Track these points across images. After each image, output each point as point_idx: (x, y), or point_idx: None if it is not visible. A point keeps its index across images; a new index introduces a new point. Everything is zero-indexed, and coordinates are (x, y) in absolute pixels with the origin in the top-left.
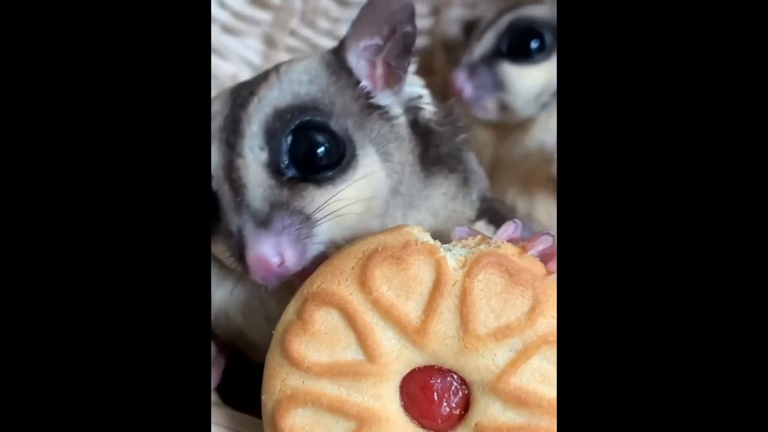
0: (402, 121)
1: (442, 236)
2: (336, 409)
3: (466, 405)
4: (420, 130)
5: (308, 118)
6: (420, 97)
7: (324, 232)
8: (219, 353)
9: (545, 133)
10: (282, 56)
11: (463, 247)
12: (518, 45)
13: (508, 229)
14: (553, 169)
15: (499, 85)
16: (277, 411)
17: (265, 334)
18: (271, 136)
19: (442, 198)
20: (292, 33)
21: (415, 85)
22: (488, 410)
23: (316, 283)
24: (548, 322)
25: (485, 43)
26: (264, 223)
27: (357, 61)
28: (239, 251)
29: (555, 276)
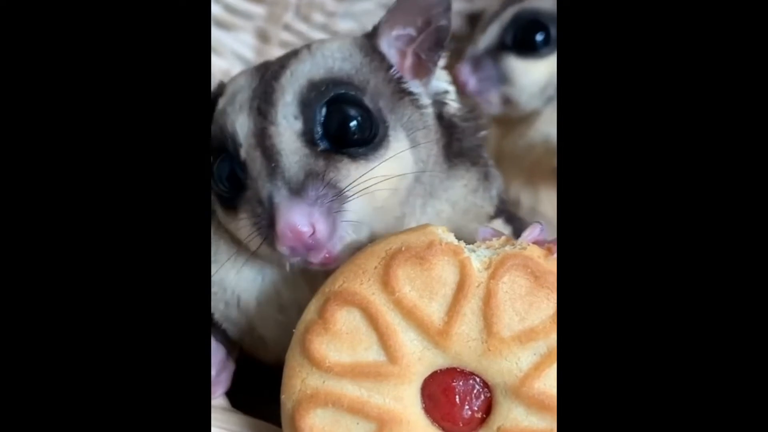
0: (430, 111)
1: (460, 229)
2: (356, 411)
3: (488, 408)
4: (444, 123)
5: (343, 91)
6: (446, 92)
7: (354, 209)
8: (228, 357)
9: (550, 126)
10: (276, 51)
11: (488, 248)
12: (523, 38)
13: (534, 230)
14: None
15: (503, 79)
16: (297, 411)
17: (276, 328)
18: (306, 106)
19: (463, 190)
20: (287, 27)
21: (442, 80)
22: (511, 414)
23: (338, 282)
24: None
25: (489, 35)
26: (298, 191)
27: (388, 48)
28: (269, 219)
29: None
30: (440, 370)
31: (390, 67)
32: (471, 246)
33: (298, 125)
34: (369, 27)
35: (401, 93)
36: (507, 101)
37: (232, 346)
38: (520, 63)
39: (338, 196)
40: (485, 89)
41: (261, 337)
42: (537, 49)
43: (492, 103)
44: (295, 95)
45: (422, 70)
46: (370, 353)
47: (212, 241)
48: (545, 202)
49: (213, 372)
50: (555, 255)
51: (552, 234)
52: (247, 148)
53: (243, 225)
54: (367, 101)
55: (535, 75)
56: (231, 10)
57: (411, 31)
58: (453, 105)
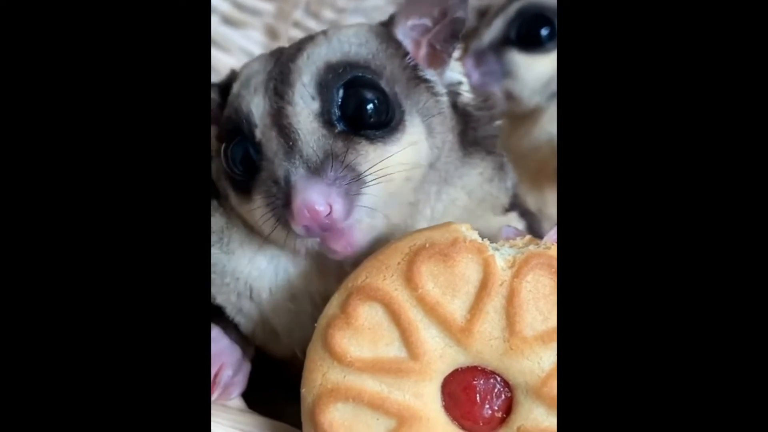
0: (445, 99)
1: (477, 219)
2: (376, 406)
3: (508, 408)
4: (459, 111)
5: (360, 74)
6: (460, 83)
7: (371, 193)
8: (243, 357)
9: (555, 124)
10: None
11: (511, 247)
12: (527, 32)
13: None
14: None
15: (506, 73)
16: (317, 405)
17: (288, 317)
18: (323, 87)
19: (479, 178)
20: (296, 24)
21: (455, 71)
22: (531, 414)
23: (361, 277)
24: None
25: (494, 29)
26: (316, 170)
27: (404, 37)
28: (285, 198)
29: None
30: (461, 368)
31: (406, 54)
32: (495, 244)
33: (315, 106)
34: None
35: (417, 80)
36: (509, 96)
37: (247, 345)
38: (523, 58)
39: (356, 179)
40: (487, 83)
41: (273, 329)
42: (542, 44)
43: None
44: (312, 76)
45: (437, 60)
46: (392, 349)
47: (224, 230)
48: (551, 204)
49: (229, 372)
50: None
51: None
52: (262, 128)
53: (257, 208)
54: (384, 85)
55: (539, 70)
56: (240, 6)
57: (427, 21)
58: (467, 95)
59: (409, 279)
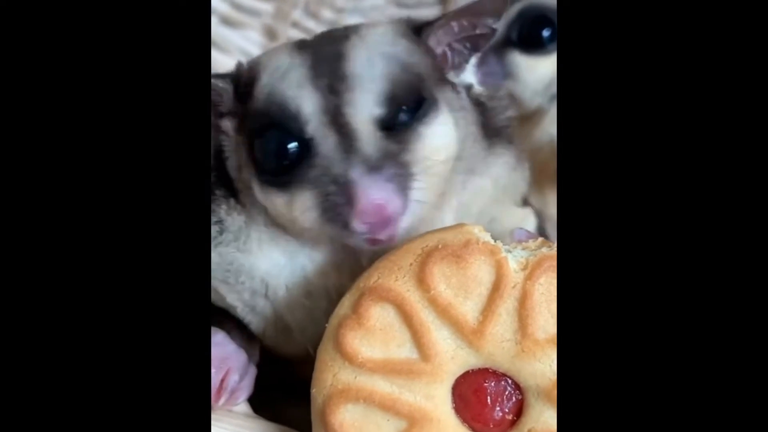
0: (464, 95)
1: (498, 206)
2: (387, 407)
3: (519, 410)
4: (476, 105)
5: (410, 75)
6: (472, 85)
7: (419, 186)
8: (249, 361)
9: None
10: None
11: (524, 249)
12: (529, 33)
13: None
14: None
15: (507, 75)
16: (328, 405)
17: (303, 314)
18: (382, 85)
19: (504, 167)
20: (295, 24)
21: (469, 74)
22: (542, 417)
23: (373, 277)
24: None
25: None
26: (377, 168)
27: (432, 42)
28: (346, 197)
29: None
30: (472, 370)
31: (435, 56)
32: (507, 246)
33: (372, 106)
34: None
35: (443, 80)
36: (511, 97)
37: (252, 348)
38: (524, 59)
39: (408, 174)
40: (488, 85)
41: (287, 326)
42: (543, 45)
43: None
44: (369, 75)
45: (455, 63)
46: (403, 350)
47: (242, 229)
48: (552, 205)
49: (236, 377)
50: None
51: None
52: (316, 125)
53: (299, 202)
54: (425, 85)
55: (540, 71)
56: (238, 7)
57: (456, 28)
58: (478, 89)
59: (422, 280)
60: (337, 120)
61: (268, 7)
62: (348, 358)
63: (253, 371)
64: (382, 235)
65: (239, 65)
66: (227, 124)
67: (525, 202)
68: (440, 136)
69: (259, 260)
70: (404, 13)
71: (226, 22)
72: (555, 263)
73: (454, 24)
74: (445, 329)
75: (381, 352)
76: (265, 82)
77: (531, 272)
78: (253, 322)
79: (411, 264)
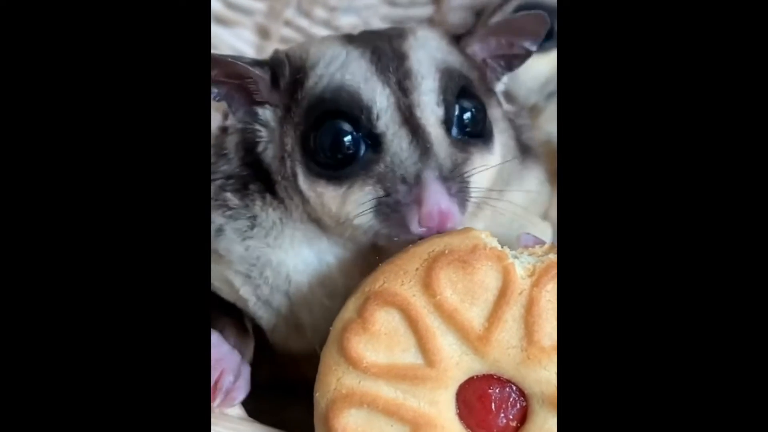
0: (502, 110)
1: (527, 220)
2: (391, 413)
3: (523, 417)
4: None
5: (465, 84)
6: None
7: (473, 199)
8: (242, 361)
9: (553, 124)
10: (276, 48)
11: (531, 255)
12: None
13: None
14: None
15: None
16: (331, 410)
17: (321, 313)
18: (445, 93)
19: (534, 181)
20: (287, 23)
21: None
22: (546, 425)
23: (378, 282)
24: None
25: None
26: (450, 179)
27: (472, 54)
28: (415, 197)
29: None
30: (477, 376)
31: (481, 67)
32: (514, 252)
33: (440, 112)
34: (371, 21)
35: (490, 90)
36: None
37: (246, 346)
38: None
39: (469, 189)
40: None
41: (300, 324)
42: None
43: None
44: (434, 81)
45: (489, 79)
46: (408, 355)
47: (275, 224)
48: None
49: (231, 378)
50: None
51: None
52: (387, 122)
53: (356, 195)
54: (480, 95)
55: (536, 69)
56: (230, 5)
57: (493, 43)
58: (506, 107)
59: (428, 285)
60: (410, 120)
61: (260, 6)
62: (352, 363)
63: (247, 371)
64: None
65: (277, 52)
66: (266, 114)
67: (545, 215)
68: (494, 153)
69: (288, 257)
70: (397, 12)
71: (219, 20)
72: None
73: (492, 39)
74: (451, 335)
75: (385, 356)
76: (321, 72)
77: (538, 279)
78: (265, 317)
79: (417, 269)
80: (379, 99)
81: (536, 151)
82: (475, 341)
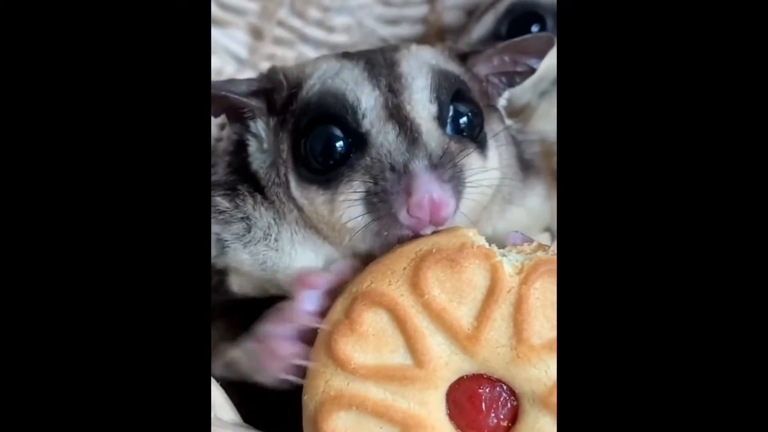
0: (503, 126)
1: (530, 233)
2: (380, 414)
3: (514, 417)
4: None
5: (460, 87)
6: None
7: (468, 198)
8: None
9: (545, 122)
10: (270, 48)
11: (519, 252)
12: (518, 30)
13: None
14: (554, 162)
15: None
16: (320, 413)
17: None
18: (438, 91)
19: (537, 198)
20: (281, 23)
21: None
22: (537, 424)
23: (365, 282)
24: None
25: (483, 26)
26: (437, 166)
27: (476, 69)
28: (404, 186)
29: None
30: (466, 376)
31: (481, 81)
32: (502, 250)
33: (433, 108)
34: (365, 22)
35: (491, 105)
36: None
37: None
38: None
39: (464, 179)
40: None
41: None
42: None
43: None
44: (427, 80)
45: (490, 95)
46: (396, 356)
47: (270, 226)
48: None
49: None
50: None
51: None
52: (372, 120)
53: (343, 195)
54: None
55: None
56: (223, 6)
57: (496, 61)
58: (509, 123)
59: (415, 284)
60: (398, 115)
61: (253, 6)
62: (340, 364)
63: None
64: (425, 232)
65: (275, 72)
66: (258, 125)
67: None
68: (488, 159)
69: (294, 260)
70: (391, 12)
71: (212, 21)
72: (551, 267)
73: (496, 58)
74: (439, 335)
75: (374, 357)
76: (314, 82)
77: (526, 276)
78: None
79: (405, 268)
80: (366, 99)
81: (539, 168)
82: (464, 341)
